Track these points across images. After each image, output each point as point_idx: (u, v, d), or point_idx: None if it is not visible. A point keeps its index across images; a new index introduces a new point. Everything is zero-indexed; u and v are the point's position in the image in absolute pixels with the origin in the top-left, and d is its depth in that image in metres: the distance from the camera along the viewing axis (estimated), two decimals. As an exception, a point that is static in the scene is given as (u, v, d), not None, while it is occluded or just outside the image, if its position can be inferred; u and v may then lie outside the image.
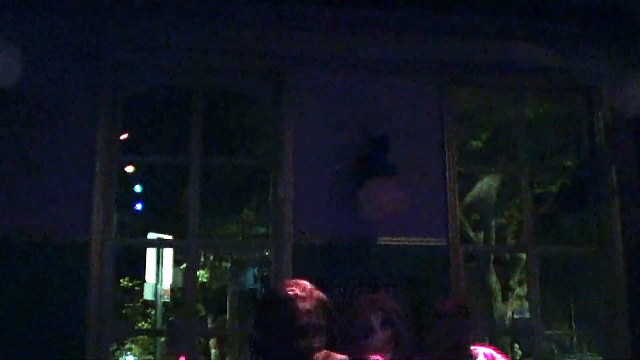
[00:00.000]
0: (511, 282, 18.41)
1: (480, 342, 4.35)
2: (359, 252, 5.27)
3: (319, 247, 5.25)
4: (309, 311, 2.64)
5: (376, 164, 5.11)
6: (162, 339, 15.16)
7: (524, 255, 16.26)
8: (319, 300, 2.80)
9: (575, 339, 22.57)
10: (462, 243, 5.66)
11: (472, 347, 4.24)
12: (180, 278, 15.28)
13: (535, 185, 15.07)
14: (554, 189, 14.83)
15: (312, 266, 5.21)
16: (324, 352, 2.64)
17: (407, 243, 5.32)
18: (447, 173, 5.50)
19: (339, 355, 2.70)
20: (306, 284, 2.79)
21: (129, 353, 24.76)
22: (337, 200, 5.31)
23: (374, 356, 4.50)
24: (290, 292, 2.62)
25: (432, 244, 5.37)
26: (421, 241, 5.34)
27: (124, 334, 21.20)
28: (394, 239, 5.32)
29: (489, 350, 4.25)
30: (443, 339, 4.11)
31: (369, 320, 4.55)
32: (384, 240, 5.31)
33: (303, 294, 2.70)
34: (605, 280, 5.70)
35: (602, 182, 5.77)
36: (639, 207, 5.65)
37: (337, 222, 5.30)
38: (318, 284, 5.01)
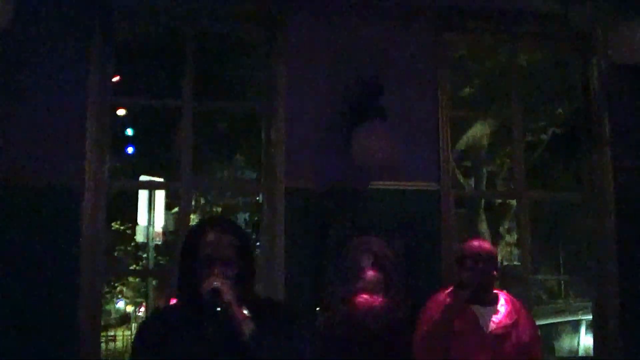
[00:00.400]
0: (501, 230, 18.51)
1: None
2: (352, 196, 5.29)
3: (311, 192, 5.26)
4: None
5: (369, 108, 5.09)
6: (154, 281, 15.30)
7: (514, 203, 16.36)
8: None
9: (563, 285, 22.79)
10: (453, 188, 5.68)
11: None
12: (171, 221, 15.34)
13: (527, 132, 15.12)
14: (545, 136, 14.82)
15: (304, 211, 5.24)
16: None
17: (399, 187, 5.34)
18: (439, 118, 5.48)
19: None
20: None
21: (120, 297, 24.94)
22: (330, 145, 5.31)
23: (364, 295, 4.56)
24: None
25: (424, 188, 5.38)
26: (413, 186, 5.35)
27: (116, 275, 21.34)
28: (387, 184, 5.33)
29: (504, 292, 4.37)
30: (471, 280, 4.14)
31: (360, 263, 4.60)
32: (376, 184, 5.32)
33: None
34: (596, 227, 5.74)
35: (595, 129, 5.77)
36: (631, 155, 5.66)
37: (329, 166, 5.31)
38: (310, 228, 5.10)
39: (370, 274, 4.55)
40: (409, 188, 5.34)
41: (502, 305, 4.24)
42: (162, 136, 12.60)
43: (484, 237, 18.60)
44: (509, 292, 4.49)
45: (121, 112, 11.82)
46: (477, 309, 4.19)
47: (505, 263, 20.09)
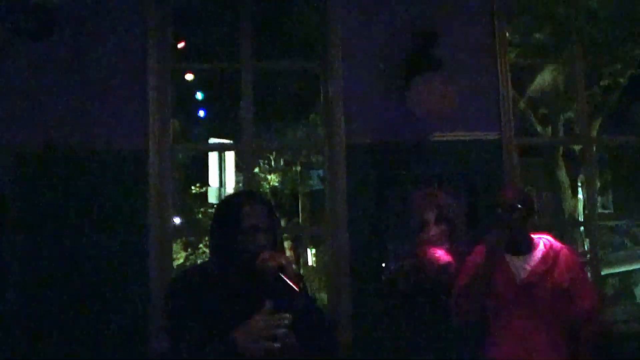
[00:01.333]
0: (580, 177, 18.20)
1: (543, 232, 4.36)
2: (412, 149, 5.28)
3: (372, 146, 5.26)
4: None
5: (425, 59, 5.06)
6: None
7: (594, 149, 16.09)
8: None
9: (647, 232, 22.31)
10: (527, 136, 5.60)
11: (533, 236, 4.23)
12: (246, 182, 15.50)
13: (602, 76, 14.76)
14: (622, 80, 14.46)
15: (366, 165, 5.25)
16: None
17: (460, 138, 5.31)
18: (498, 65, 5.41)
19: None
20: None
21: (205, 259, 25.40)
22: (388, 99, 5.30)
23: (430, 248, 4.59)
24: None
25: (485, 138, 5.34)
26: (475, 136, 5.32)
27: (192, 236, 21.70)
28: (447, 135, 5.31)
29: (548, 238, 4.24)
30: (501, 233, 4.06)
31: (424, 215, 4.63)
32: (436, 136, 5.31)
33: None
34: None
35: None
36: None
37: (389, 120, 5.30)
38: (373, 183, 5.11)
39: (435, 228, 4.56)
40: (470, 138, 5.31)
41: (540, 251, 4.16)
42: (230, 99, 12.72)
43: (564, 186, 18.40)
44: (559, 237, 4.43)
45: (189, 76, 11.97)
46: (510, 258, 4.13)
47: (586, 211, 19.75)
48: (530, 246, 4.18)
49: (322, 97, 5.60)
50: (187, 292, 2.86)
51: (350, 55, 5.35)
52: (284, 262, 2.77)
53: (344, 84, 5.32)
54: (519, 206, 4.11)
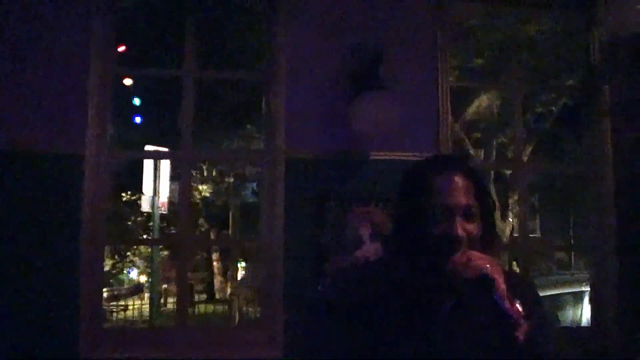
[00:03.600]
0: (510, 201, 18.55)
1: None
2: (351, 166, 5.31)
3: (311, 162, 5.27)
4: None
5: (368, 78, 5.10)
6: (160, 251, 15.41)
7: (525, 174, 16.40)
8: None
9: (573, 257, 22.86)
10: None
11: None
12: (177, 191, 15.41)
13: (537, 104, 15.11)
14: (554, 108, 14.83)
15: (304, 180, 5.26)
16: None
17: (398, 158, 5.32)
18: (440, 88, 5.48)
19: None
20: None
21: (132, 267, 25.15)
22: (330, 115, 5.31)
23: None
24: None
25: (423, 158, 5.37)
26: (412, 156, 5.34)
27: (123, 244, 21.46)
28: (386, 154, 5.32)
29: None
30: None
31: (359, 233, 4.64)
32: (376, 154, 5.33)
33: None
34: (595, 198, 5.76)
35: (595, 101, 5.77)
36: (631, 126, 5.66)
37: (330, 136, 5.30)
38: (310, 198, 5.12)
39: (369, 246, 4.57)
40: (409, 158, 5.34)
41: None
42: (169, 105, 12.66)
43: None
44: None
45: (128, 81, 11.86)
46: None
47: (515, 234, 20.15)
48: None
49: (264, 110, 5.61)
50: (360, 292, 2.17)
51: (295, 69, 5.35)
52: (487, 269, 1.98)
53: (287, 97, 5.32)
54: None
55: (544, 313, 2.22)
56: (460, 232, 2.02)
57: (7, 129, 5.03)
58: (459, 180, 2.09)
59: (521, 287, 2.11)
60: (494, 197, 18.21)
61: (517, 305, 1.93)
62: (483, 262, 1.98)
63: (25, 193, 5.00)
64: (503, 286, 1.94)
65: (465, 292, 2.07)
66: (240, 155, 13.50)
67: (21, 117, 5.06)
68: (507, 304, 1.92)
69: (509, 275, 2.03)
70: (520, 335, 1.89)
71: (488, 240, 2.11)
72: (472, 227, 2.05)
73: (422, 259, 2.07)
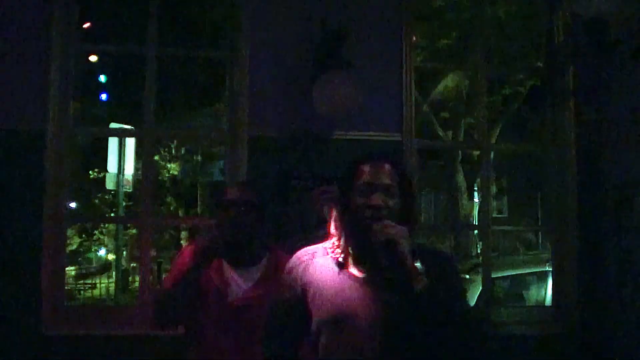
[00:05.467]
0: (477, 182, 18.65)
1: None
2: (314, 145, 5.31)
3: (275, 141, 5.27)
4: None
5: (332, 57, 5.09)
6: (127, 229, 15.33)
7: (491, 155, 16.46)
8: None
9: (540, 237, 23.00)
10: (427, 138, 5.68)
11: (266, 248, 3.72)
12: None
13: (505, 85, 15.17)
14: (522, 89, 14.88)
15: (267, 160, 5.25)
16: None
17: (362, 137, 5.35)
18: (403, 68, 5.49)
19: None
20: None
21: (100, 246, 24.99)
22: (294, 94, 5.31)
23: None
24: None
25: (386, 138, 5.40)
26: (376, 136, 5.38)
27: (85, 221, 21.31)
28: (349, 133, 5.34)
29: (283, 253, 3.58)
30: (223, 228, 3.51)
31: (321, 212, 4.62)
32: (339, 134, 5.34)
33: None
34: (559, 180, 5.80)
35: (559, 83, 5.81)
36: (593, 109, 5.70)
37: (293, 115, 5.31)
38: (273, 177, 5.12)
39: (332, 224, 4.54)
40: (372, 138, 5.36)
41: (262, 267, 3.58)
42: (134, 84, 12.58)
43: (461, 189, 18.82)
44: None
45: (93, 58, 11.76)
46: (230, 271, 3.57)
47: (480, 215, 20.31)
48: (256, 259, 3.62)
49: (227, 88, 5.57)
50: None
51: (259, 47, 5.34)
52: (394, 234, 2.46)
53: (251, 75, 5.31)
54: (245, 204, 3.55)
55: (456, 282, 2.72)
56: (377, 202, 2.52)
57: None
58: (381, 165, 2.62)
59: (434, 257, 2.63)
60: (462, 177, 18.37)
61: (417, 264, 2.45)
62: (393, 229, 2.45)
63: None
64: (405, 248, 2.43)
65: (380, 254, 2.51)
66: (203, 133, 13.41)
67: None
68: (407, 261, 2.43)
69: (422, 246, 2.63)
70: (418, 285, 2.40)
71: (406, 216, 2.61)
72: (392, 202, 2.55)
73: (351, 226, 2.60)
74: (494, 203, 25.09)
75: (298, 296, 2.72)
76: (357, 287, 2.60)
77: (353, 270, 2.65)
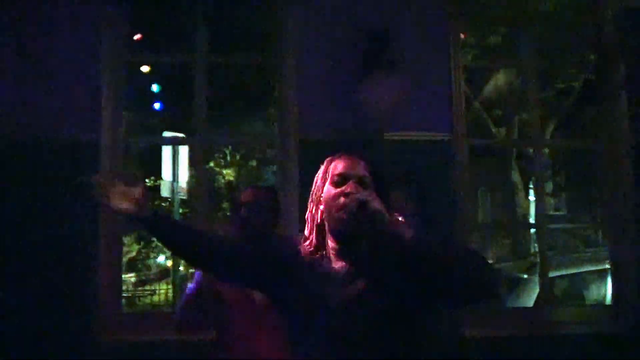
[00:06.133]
0: (533, 179, 18.40)
1: None
2: (365, 147, 5.29)
3: (324, 143, 5.26)
4: None
5: (379, 58, 5.08)
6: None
7: (546, 151, 16.21)
8: None
9: (600, 234, 22.61)
10: (477, 137, 5.63)
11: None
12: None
13: (557, 80, 14.95)
14: (576, 84, 14.68)
15: (318, 162, 5.23)
16: None
17: (412, 138, 5.33)
18: (451, 67, 5.46)
19: None
20: None
21: (159, 253, 25.20)
22: (343, 96, 5.30)
23: None
24: None
25: (437, 138, 5.38)
26: (426, 136, 5.35)
27: (136, 227, 21.47)
28: (399, 134, 5.32)
29: None
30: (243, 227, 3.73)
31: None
32: (389, 135, 5.32)
33: None
34: (612, 174, 5.71)
35: (611, 76, 5.72)
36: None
37: (342, 117, 5.31)
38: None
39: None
40: (422, 138, 5.34)
41: None
42: (186, 92, 12.68)
43: (517, 187, 18.61)
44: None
45: (146, 69, 11.89)
46: None
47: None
48: None
49: (276, 93, 5.60)
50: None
51: (306, 51, 5.36)
52: (364, 196, 2.40)
53: (299, 80, 5.34)
54: (257, 206, 3.76)
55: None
56: (350, 189, 2.49)
57: (24, 117, 5.10)
58: (355, 160, 2.65)
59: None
60: (517, 175, 18.14)
61: (399, 218, 2.42)
62: (360, 195, 2.40)
63: (44, 180, 5.07)
64: (378, 206, 2.35)
65: (358, 229, 2.44)
66: (254, 139, 13.49)
67: (38, 106, 5.14)
68: (385, 217, 2.34)
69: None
70: (407, 235, 2.32)
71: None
72: (366, 193, 2.44)
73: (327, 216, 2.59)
74: (552, 201, 24.78)
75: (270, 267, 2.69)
76: (336, 285, 2.52)
77: (333, 264, 2.59)
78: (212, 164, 20.41)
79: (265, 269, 2.68)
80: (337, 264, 2.58)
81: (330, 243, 2.61)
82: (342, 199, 2.49)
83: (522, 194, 18.68)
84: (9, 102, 5.11)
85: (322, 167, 2.78)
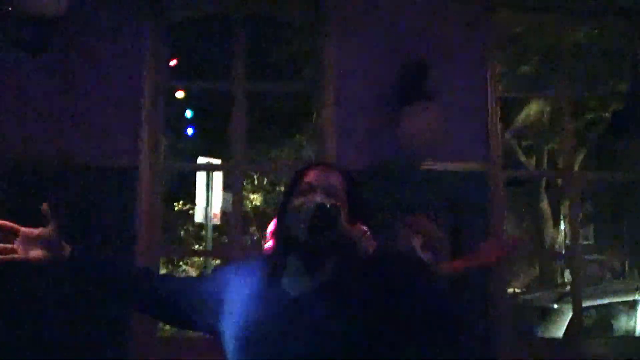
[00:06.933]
0: (562, 209, 18.32)
1: None
2: (401, 176, 5.32)
3: (361, 172, 5.28)
4: None
5: (416, 89, 5.12)
6: (215, 262, 15.51)
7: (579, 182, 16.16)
8: None
9: (627, 265, 22.44)
10: (511, 168, 5.64)
11: None
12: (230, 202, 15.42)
13: (587, 110, 14.93)
14: (606, 114, 14.63)
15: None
16: None
17: (448, 168, 5.34)
18: (488, 98, 5.48)
19: None
20: None
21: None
22: (379, 125, 5.34)
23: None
24: None
25: (473, 169, 5.39)
26: (463, 166, 5.37)
27: (176, 255, 21.58)
28: (436, 164, 5.34)
29: None
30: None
31: (410, 243, 4.61)
32: (425, 165, 5.33)
33: None
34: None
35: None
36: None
37: (379, 147, 5.34)
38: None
39: (420, 254, 4.52)
40: (459, 169, 5.36)
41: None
42: (220, 118, 12.79)
43: (546, 217, 18.52)
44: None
45: (180, 94, 12.01)
46: None
47: (567, 242, 19.92)
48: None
49: (314, 120, 5.64)
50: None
51: (345, 79, 5.41)
52: (323, 201, 2.24)
53: (336, 108, 5.38)
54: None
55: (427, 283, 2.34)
56: (314, 199, 2.27)
57: (62, 142, 5.16)
58: (324, 169, 2.45)
59: (397, 260, 2.37)
60: (546, 204, 18.06)
61: (361, 226, 2.25)
62: (319, 197, 2.27)
63: (82, 206, 5.11)
64: (338, 211, 2.21)
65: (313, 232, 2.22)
66: (293, 165, 13.58)
67: (76, 131, 5.19)
68: (344, 224, 2.21)
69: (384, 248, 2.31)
70: (366, 247, 2.19)
71: (355, 219, 2.32)
72: (328, 200, 2.27)
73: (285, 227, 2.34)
74: (580, 231, 24.63)
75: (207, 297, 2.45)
76: (287, 307, 2.27)
77: (286, 286, 2.32)
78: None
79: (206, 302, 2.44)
80: (298, 286, 2.29)
81: (293, 260, 2.34)
82: (303, 205, 2.27)
83: (550, 223, 18.60)
84: (51, 129, 5.18)
85: (292, 178, 2.50)
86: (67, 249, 2.50)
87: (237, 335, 2.26)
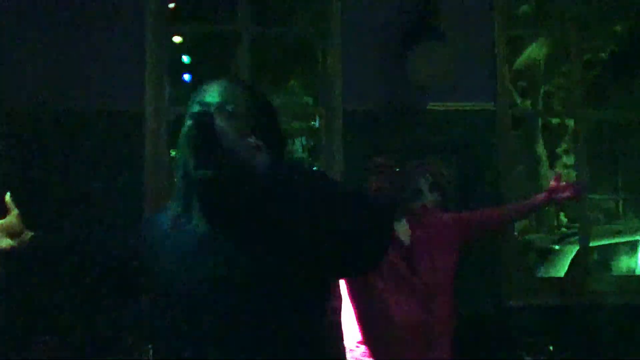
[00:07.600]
0: (558, 150, 18.36)
1: None
2: (409, 117, 5.30)
3: (369, 114, 5.28)
4: None
5: (423, 29, 5.08)
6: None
7: (571, 123, 16.16)
8: None
9: (621, 206, 22.50)
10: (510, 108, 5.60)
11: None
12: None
13: (584, 51, 14.87)
14: (604, 55, 14.59)
15: (362, 133, 5.26)
16: None
17: (456, 108, 5.33)
18: (495, 37, 5.45)
19: None
20: None
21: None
22: (387, 67, 5.30)
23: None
24: None
25: (480, 108, 5.38)
26: (470, 106, 5.35)
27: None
28: (443, 104, 5.32)
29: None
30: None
31: (418, 184, 4.60)
32: (433, 105, 5.32)
33: None
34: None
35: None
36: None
37: (386, 88, 5.31)
38: (368, 150, 5.13)
39: (428, 197, 4.51)
40: (466, 108, 5.33)
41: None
42: (218, 63, 12.66)
43: (541, 159, 18.57)
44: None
45: (177, 39, 11.87)
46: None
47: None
48: None
49: (319, 63, 5.59)
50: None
51: (350, 21, 5.35)
52: (208, 117, 1.90)
53: (343, 50, 5.33)
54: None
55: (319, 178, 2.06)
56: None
57: (67, 88, 5.10)
58: (226, 85, 2.12)
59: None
60: (542, 146, 18.08)
61: (250, 140, 1.93)
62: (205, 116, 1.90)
63: (88, 151, 5.08)
64: (227, 130, 1.89)
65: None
66: (296, 109, 13.42)
67: (81, 77, 5.12)
68: (228, 135, 1.89)
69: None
70: (257, 160, 1.88)
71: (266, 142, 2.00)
72: (207, 110, 1.95)
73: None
74: (573, 173, 24.68)
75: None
76: (195, 244, 2.10)
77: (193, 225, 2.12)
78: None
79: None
80: (202, 226, 2.08)
81: (194, 195, 2.09)
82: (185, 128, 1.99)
83: (546, 165, 18.64)
84: (53, 75, 5.11)
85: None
86: (28, 235, 2.38)
87: (160, 282, 2.14)
